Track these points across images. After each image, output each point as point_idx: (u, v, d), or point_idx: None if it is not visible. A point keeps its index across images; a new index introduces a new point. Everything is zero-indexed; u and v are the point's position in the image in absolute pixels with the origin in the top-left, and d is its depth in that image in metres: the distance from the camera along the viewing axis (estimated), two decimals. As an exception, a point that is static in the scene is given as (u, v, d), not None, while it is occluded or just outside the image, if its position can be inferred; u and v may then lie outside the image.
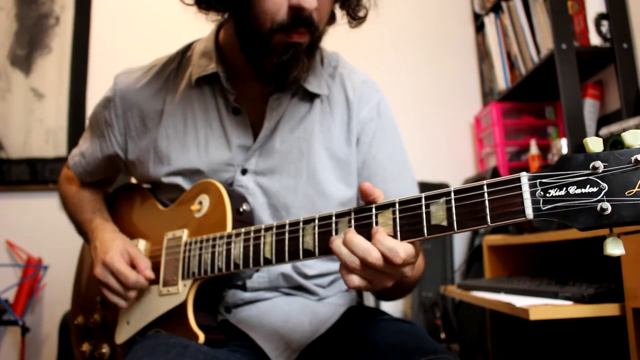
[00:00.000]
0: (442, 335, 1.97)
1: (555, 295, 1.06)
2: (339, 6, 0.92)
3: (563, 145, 1.75)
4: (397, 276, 0.66)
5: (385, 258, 0.63)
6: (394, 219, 0.66)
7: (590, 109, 1.84)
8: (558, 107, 2.19)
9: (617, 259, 0.97)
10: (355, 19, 0.93)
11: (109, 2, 2.48)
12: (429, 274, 2.14)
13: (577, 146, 1.66)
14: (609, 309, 0.96)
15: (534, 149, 1.97)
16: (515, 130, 2.22)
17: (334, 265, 1.00)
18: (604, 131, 1.44)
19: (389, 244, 0.63)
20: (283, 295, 0.98)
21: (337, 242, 0.66)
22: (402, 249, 0.62)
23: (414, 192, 1.01)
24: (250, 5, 0.84)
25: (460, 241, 2.26)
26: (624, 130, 1.34)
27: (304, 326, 0.93)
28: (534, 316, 0.96)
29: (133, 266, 0.92)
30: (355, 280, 0.65)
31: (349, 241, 0.65)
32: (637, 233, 0.92)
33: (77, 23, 2.43)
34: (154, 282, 0.94)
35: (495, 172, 2.08)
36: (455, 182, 2.30)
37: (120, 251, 0.92)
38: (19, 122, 2.35)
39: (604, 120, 1.83)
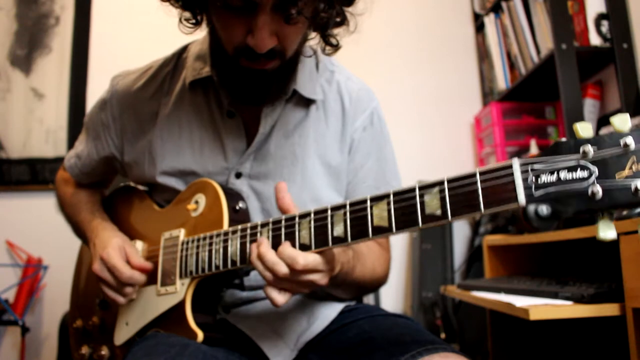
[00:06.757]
0: (442, 335, 1.97)
1: (555, 295, 1.06)
2: (312, 29, 0.88)
3: (563, 145, 1.75)
4: (309, 284, 0.75)
5: (288, 266, 0.72)
6: (389, 210, 0.66)
7: (590, 109, 1.84)
8: (558, 107, 2.19)
9: (617, 258, 0.97)
10: (330, 46, 0.90)
11: (109, 2, 2.48)
12: (429, 274, 2.14)
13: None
14: (609, 309, 0.96)
15: (534, 149, 1.97)
16: (515, 130, 2.22)
17: None
18: (604, 131, 1.44)
19: (288, 253, 0.72)
20: None
21: (253, 256, 0.76)
22: (302, 257, 0.71)
23: None
24: (216, 28, 0.85)
25: (460, 241, 2.26)
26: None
27: (302, 325, 0.93)
28: (534, 316, 0.96)
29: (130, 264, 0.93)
30: (279, 298, 0.75)
31: (262, 255, 0.74)
32: (637, 233, 0.92)
33: (77, 23, 2.43)
34: (152, 282, 0.94)
35: (495, 172, 2.08)
36: (455, 182, 2.29)
37: (118, 247, 0.93)
38: (19, 122, 2.36)
39: (604, 120, 1.83)
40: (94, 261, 0.94)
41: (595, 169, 0.52)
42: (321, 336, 0.92)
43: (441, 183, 0.62)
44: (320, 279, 0.75)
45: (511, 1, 2.10)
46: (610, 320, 0.98)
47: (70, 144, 2.33)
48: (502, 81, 2.23)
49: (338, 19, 0.85)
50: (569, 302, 1.00)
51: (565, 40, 1.72)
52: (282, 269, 0.72)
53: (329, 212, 0.72)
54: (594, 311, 0.96)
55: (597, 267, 1.37)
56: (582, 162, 0.53)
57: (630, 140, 0.51)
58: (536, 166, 0.56)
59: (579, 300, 0.99)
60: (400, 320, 0.92)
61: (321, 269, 0.74)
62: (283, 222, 0.76)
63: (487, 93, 2.44)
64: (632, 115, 1.60)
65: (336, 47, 0.90)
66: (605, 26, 1.73)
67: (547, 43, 1.84)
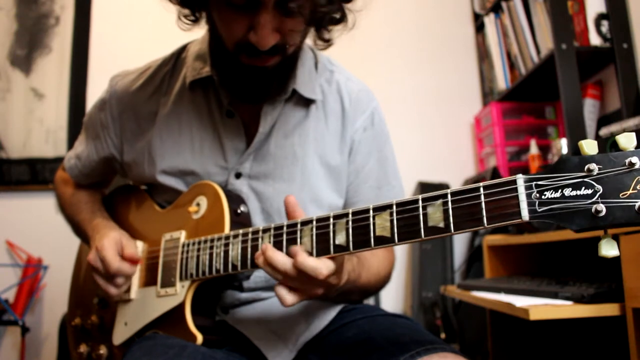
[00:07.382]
0: (442, 335, 1.97)
1: (555, 295, 1.06)
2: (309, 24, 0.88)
3: (563, 146, 1.75)
4: (323, 285, 0.74)
5: (310, 275, 0.70)
6: (391, 221, 0.66)
7: (590, 109, 1.84)
8: (558, 107, 2.19)
9: (617, 259, 0.97)
10: (322, 41, 0.90)
11: (109, 2, 2.48)
12: (429, 274, 2.14)
13: (578, 146, 1.66)
14: (609, 309, 0.96)
15: (534, 149, 1.97)
16: (515, 130, 2.22)
17: None
18: (604, 131, 1.43)
19: (311, 264, 0.70)
20: None
21: (260, 260, 0.74)
22: (325, 267, 0.70)
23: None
24: (217, 26, 0.85)
25: (460, 241, 2.26)
26: (624, 130, 1.34)
27: (301, 325, 0.93)
28: (534, 316, 0.96)
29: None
30: (289, 298, 0.73)
31: (270, 259, 0.72)
32: (637, 233, 0.92)
33: (77, 23, 2.43)
34: (152, 283, 0.94)
35: (495, 172, 2.08)
36: (456, 183, 2.30)
37: (114, 240, 0.93)
38: (19, 122, 2.36)
39: (604, 120, 1.83)
40: (90, 251, 0.94)
41: (599, 187, 0.53)
42: (320, 336, 0.92)
43: (444, 196, 0.62)
44: (334, 279, 0.75)
45: (511, 1, 2.10)
46: (610, 320, 0.99)
47: (70, 144, 2.33)
48: (502, 81, 2.23)
49: (337, 16, 0.85)
50: (569, 302, 1.00)
51: (565, 40, 1.72)
52: (288, 267, 0.71)
53: (332, 220, 0.71)
54: (594, 311, 0.96)
55: (597, 267, 1.37)
56: (587, 180, 0.53)
57: (635, 160, 0.51)
58: (540, 182, 0.56)
59: (579, 300, 0.99)
60: (400, 320, 0.92)
61: (334, 271, 0.73)
62: (285, 228, 0.76)
63: (487, 93, 2.44)
64: (632, 115, 1.60)
65: (328, 42, 0.91)
66: (605, 26, 1.73)
67: (547, 43, 1.84)
